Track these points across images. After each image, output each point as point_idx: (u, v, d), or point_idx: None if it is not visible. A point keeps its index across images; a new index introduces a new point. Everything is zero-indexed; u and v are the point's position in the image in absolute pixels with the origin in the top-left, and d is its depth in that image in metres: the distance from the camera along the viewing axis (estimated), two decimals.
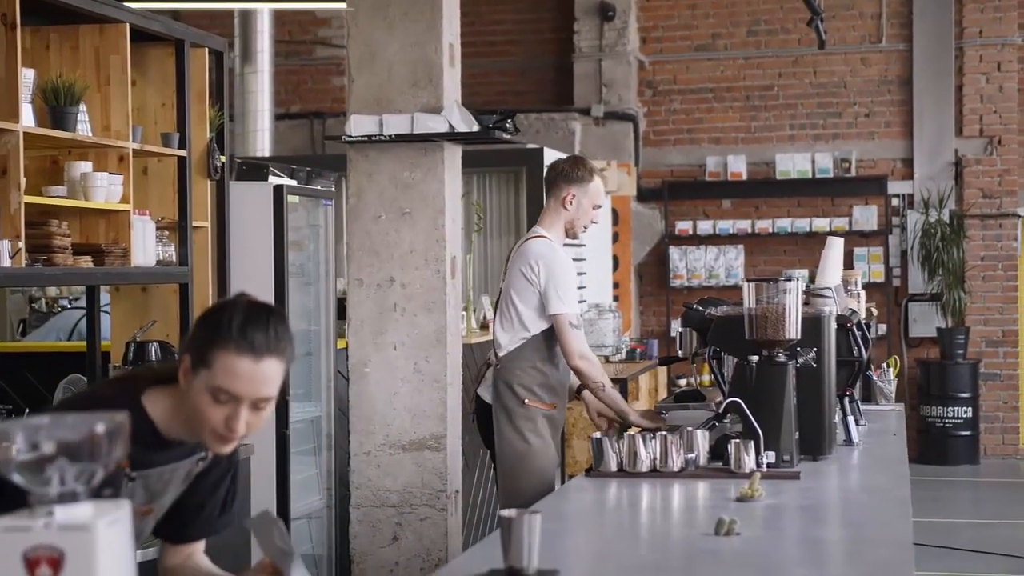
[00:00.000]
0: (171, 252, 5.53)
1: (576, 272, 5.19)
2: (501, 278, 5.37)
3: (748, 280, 4.42)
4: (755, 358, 4.33)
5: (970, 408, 12.07)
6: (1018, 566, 8.21)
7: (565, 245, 5.48)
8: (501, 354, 5.18)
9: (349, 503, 5.72)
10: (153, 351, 5.40)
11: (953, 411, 12.05)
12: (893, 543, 3.14)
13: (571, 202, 5.22)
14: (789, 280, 4.36)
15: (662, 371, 11.03)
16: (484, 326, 8.26)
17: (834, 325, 4.63)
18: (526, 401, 5.12)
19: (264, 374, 2.51)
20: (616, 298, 12.08)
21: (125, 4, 5.24)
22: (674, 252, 12.74)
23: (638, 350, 10.66)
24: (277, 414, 6.15)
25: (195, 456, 2.70)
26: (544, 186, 5.37)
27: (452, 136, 5.53)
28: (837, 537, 3.41)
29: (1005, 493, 11.17)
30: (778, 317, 4.31)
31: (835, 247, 5.43)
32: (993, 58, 12.37)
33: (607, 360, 10.09)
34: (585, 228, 5.34)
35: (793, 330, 4.33)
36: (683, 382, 11.88)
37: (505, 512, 2.71)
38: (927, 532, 9.05)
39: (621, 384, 8.85)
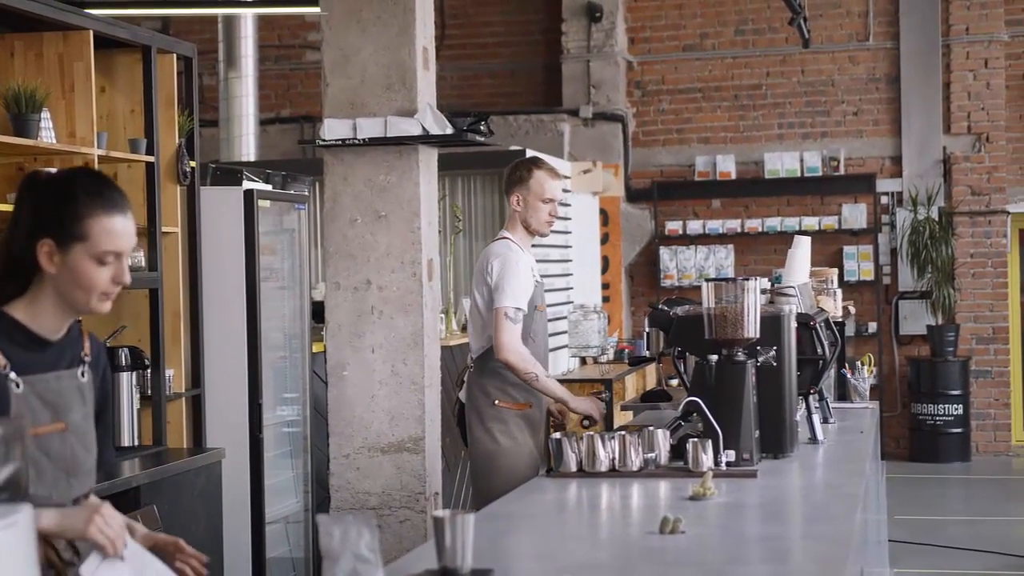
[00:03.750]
0: (140, 257, 5.54)
1: (528, 272, 5.26)
2: None
3: (707, 280, 4.43)
4: (714, 357, 4.34)
5: (961, 405, 12.06)
6: (1009, 563, 8.21)
7: (535, 246, 5.53)
8: (474, 356, 5.30)
9: (327, 506, 5.74)
10: (123, 356, 5.42)
11: (944, 408, 12.04)
12: (834, 539, 3.16)
13: (519, 203, 5.33)
14: (748, 279, 4.37)
15: (651, 371, 11.05)
16: (464, 328, 8.27)
17: (794, 324, 4.64)
18: (496, 402, 5.22)
19: (130, 224, 2.71)
20: (607, 299, 12.10)
21: (88, 11, 5.26)
22: (664, 252, 12.75)
23: (626, 351, 10.70)
24: (250, 418, 6.17)
25: (76, 368, 2.77)
26: None
27: (426, 139, 5.54)
28: (780, 534, 3.42)
29: (996, 490, 11.15)
30: (737, 316, 4.32)
31: (801, 246, 5.44)
32: (980, 55, 12.37)
33: (595, 361, 10.12)
34: (548, 224, 5.39)
35: (752, 329, 4.34)
36: (675, 382, 11.91)
37: (438, 512, 2.73)
38: (918, 529, 9.06)
39: (606, 384, 8.86)
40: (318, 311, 6.40)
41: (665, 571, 2.93)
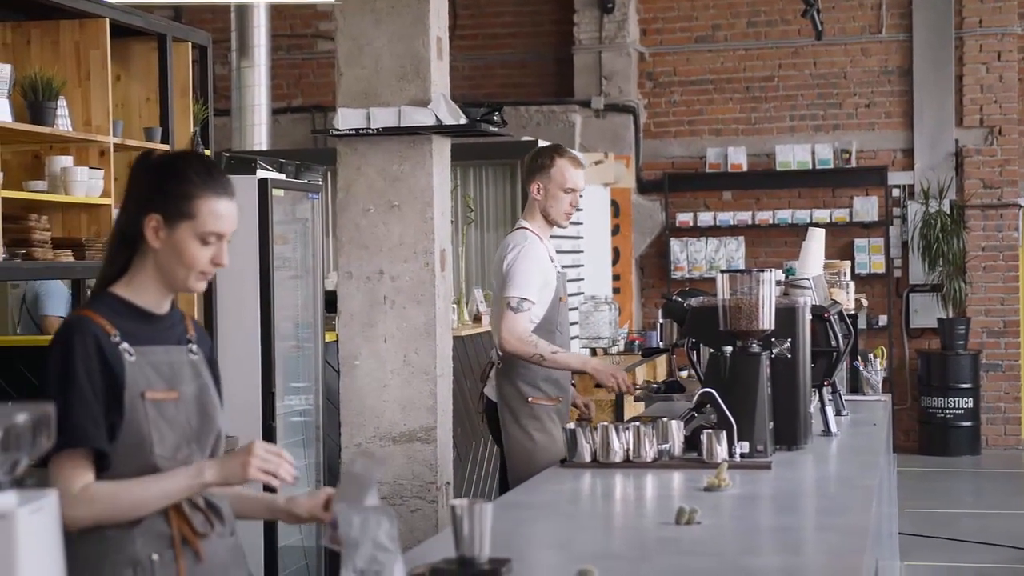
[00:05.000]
0: None
1: (543, 263, 5.18)
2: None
3: (722, 271, 4.43)
4: (729, 349, 4.34)
5: (971, 399, 12.06)
6: (1019, 557, 8.21)
7: (554, 237, 5.50)
8: (500, 352, 5.20)
9: None
10: None
11: (954, 402, 12.03)
12: (850, 530, 3.16)
13: (539, 192, 5.25)
14: (763, 271, 4.37)
15: (662, 362, 11.04)
16: (477, 318, 8.28)
17: (809, 316, 4.63)
18: (530, 399, 5.13)
19: (234, 207, 2.81)
20: (617, 290, 12.10)
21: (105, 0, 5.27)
22: (675, 244, 12.75)
23: (637, 342, 10.70)
24: (263, 406, 6.18)
25: (184, 346, 2.86)
26: None
27: (439, 129, 5.54)
28: (796, 526, 3.42)
29: (1006, 484, 11.16)
30: (752, 308, 4.31)
31: (815, 238, 5.43)
32: (993, 48, 12.35)
33: (605, 352, 10.12)
34: (567, 215, 5.30)
35: (767, 321, 4.33)
36: (684, 373, 11.90)
37: (456, 501, 2.73)
38: (928, 523, 9.06)
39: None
40: (330, 300, 6.40)
41: (682, 562, 2.93)
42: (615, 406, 8.82)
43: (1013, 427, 12.44)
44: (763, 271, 4.36)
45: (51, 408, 1.87)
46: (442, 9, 5.75)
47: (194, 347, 2.87)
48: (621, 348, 10.31)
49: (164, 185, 2.76)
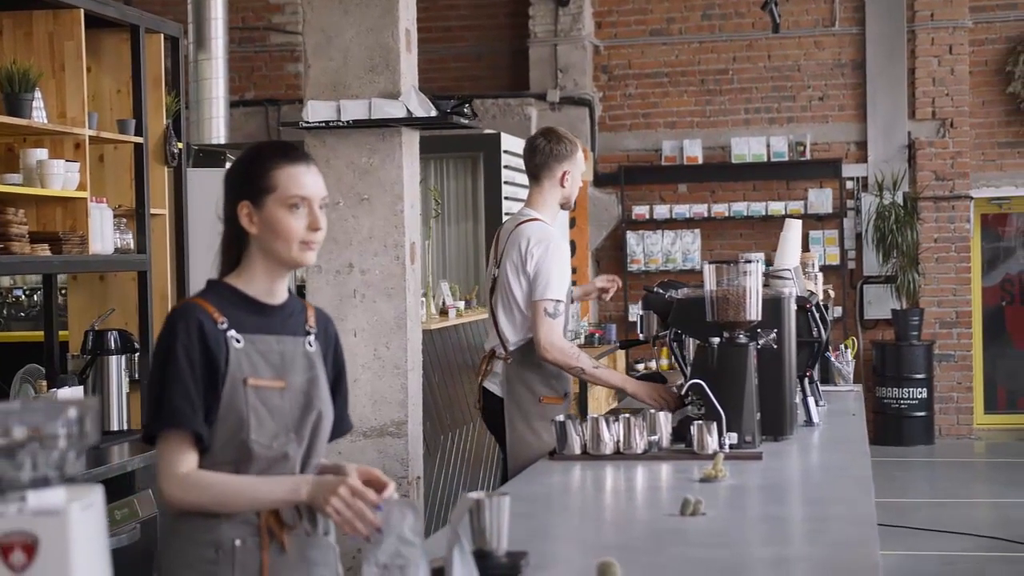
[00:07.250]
0: (129, 239, 5.49)
1: (568, 259, 4.95)
2: (493, 264, 5.10)
3: (709, 262, 4.43)
4: (716, 340, 4.35)
5: (925, 389, 12.18)
6: (973, 544, 8.31)
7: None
8: (511, 348, 4.94)
9: None
10: (112, 339, 5.35)
11: (908, 392, 12.15)
12: (857, 520, 3.17)
13: (567, 179, 4.97)
14: (749, 262, 4.38)
15: (621, 355, 11.07)
16: (443, 312, 8.24)
17: (794, 306, 4.66)
18: (542, 399, 4.94)
19: (316, 175, 2.86)
20: (574, 283, 12.08)
21: None
22: (631, 237, 12.78)
23: (596, 335, 10.72)
24: None
25: (302, 337, 2.88)
26: (530, 168, 5.04)
27: (410, 121, 5.51)
28: (801, 516, 3.43)
29: (960, 472, 11.28)
30: (739, 299, 4.33)
31: (793, 229, 5.46)
32: (945, 41, 12.47)
33: None
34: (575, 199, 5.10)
35: (754, 311, 4.35)
36: (641, 366, 11.94)
37: (474, 494, 2.72)
38: (883, 512, 9.10)
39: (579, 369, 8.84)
40: (300, 294, 6.35)
41: (697, 552, 2.93)
42: (578, 399, 8.83)
43: (965, 417, 12.57)
44: (750, 261, 4.38)
45: (95, 403, 1.84)
46: (410, 1, 5.71)
47: (312, 339, 2.90)
48: (582, 341, 10.31)
49: (245, 173, 2.86)
